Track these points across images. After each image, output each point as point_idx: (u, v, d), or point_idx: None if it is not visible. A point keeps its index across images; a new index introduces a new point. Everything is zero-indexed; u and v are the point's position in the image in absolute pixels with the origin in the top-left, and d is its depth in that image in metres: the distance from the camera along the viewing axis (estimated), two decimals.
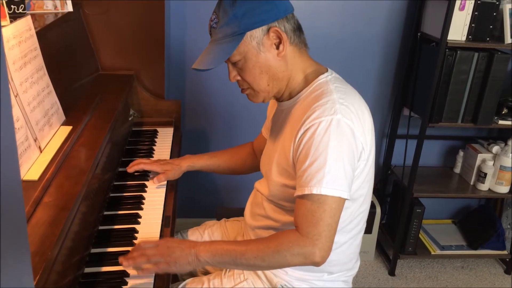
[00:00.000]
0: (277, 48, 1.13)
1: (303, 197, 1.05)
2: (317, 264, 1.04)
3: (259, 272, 1.26)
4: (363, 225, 1.26)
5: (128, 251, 1.14)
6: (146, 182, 1.46)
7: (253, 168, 1.55)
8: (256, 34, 1.11)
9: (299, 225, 1.05)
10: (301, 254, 1.03)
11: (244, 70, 1.15)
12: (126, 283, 1.06)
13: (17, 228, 0.46)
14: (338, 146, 1.04)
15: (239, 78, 1.18)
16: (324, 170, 1.02)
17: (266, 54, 1.13)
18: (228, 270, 1.31)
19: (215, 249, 1.08)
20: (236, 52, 1.12)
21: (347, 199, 1.06)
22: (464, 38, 2.03)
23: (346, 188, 1.04)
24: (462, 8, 1.97)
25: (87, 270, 1.09)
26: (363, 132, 1.09)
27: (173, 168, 1.46)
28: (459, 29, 2.00)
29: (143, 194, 1.40)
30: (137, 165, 1.45)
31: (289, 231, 1.08)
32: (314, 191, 1.02)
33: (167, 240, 1.13)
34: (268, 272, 1.25)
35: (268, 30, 1.11)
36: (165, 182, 1.46)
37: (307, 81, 1.18)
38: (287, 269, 1.23)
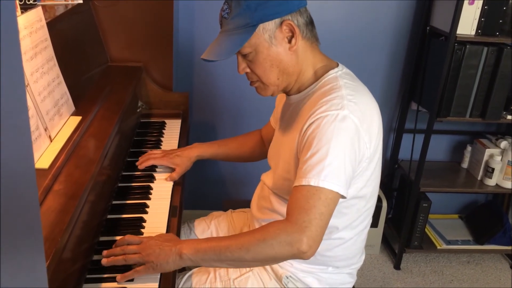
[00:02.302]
0: (289, 42, 1.12)
1: (300, 187, 1.02)
2: (304, 254, 0.98)
3: None
4: (369, 221, 1.26)
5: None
6: (153, 173, 1.47)
7: (262, 156, 1.55)
8: (268, 27, 1.09)
9: (290, 211, 1.01)
10: (288, 241, 0.97)
11: (254, 63, 1.14)
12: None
13: (31, 214, 0.47)
14: (341, 141, 1.02)
15: (248, 70, 1.17)
16: (324, 163, 1.00)
17: (277, 47, 1.11)
18: None
19: (198, 246, 1.04)
20: (247, 44, 1.10)
21: (343, 196, 1.03)
22: (473, 33, 2.01)
23: (343, 184, 1.02)
24: (471, 2, 1.96)
25: (96, 257, 1.11)
26: (368, 130, 1.08)
27: (183, 161, 1.45)
28: (468, 23, 1.99)
29: (151, 184, 1.41)
30: (146, 161, 1.44)
31: (279, 221, 1.04)
32: (312, 183, 1.00)
33: (150, 238, 1.09)
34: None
35: (281, 23, 1.10)
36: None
37: (317, 76, 1.17)
38: (292, 261, 1.23)
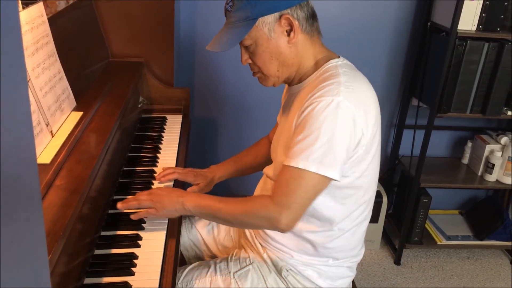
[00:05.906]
0: (288, 35, 1.15)
1: (287, 167, 1.08)
2: (281, 230, 1.11)
3: (265, 256, 1.29)
4: (368, 213, 1.28)
5: (136, 234, 1.17)
6: (154, 168, 1.48)
7: None
8: (268, 21, 1.13)
9: (274, 191, 1.11)
10: (267, 218, 1.10)
11: (255, 55, 1.18)
12: (134, 265, 1.08)
13: (33, 209, 0.48)
14: (333, 126, 1.05)
15: (250, 61, 1.21)
16: (314, 147, 1.05)
17: (276, 40, 1.15)
18: (234, 254, 1.34)
19: (199, 202, 1.18)
20: (248, 37, 1.14)
21: (334, 179, 1.08)
22: (474, 28, 2.01)
23: (332, 168, 1.06)
24: None
25: (98, 252, 1.12)
26: (365, 119, 1.10)
27: (206, 180, 1.47)
28: (469, 19, 1.99)
29: (152, 180, 1.42)
30: (171, 174, 1.41)
31: (264, 196, 1.15)
32: (300, 166, 1.06)
33: (158, 189, 1.24)
34: (273, 256, 1.27)
35: (280, 17, 1.13)
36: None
37: (317, 65, 1.19)
38: (292, 253, 1.25)
